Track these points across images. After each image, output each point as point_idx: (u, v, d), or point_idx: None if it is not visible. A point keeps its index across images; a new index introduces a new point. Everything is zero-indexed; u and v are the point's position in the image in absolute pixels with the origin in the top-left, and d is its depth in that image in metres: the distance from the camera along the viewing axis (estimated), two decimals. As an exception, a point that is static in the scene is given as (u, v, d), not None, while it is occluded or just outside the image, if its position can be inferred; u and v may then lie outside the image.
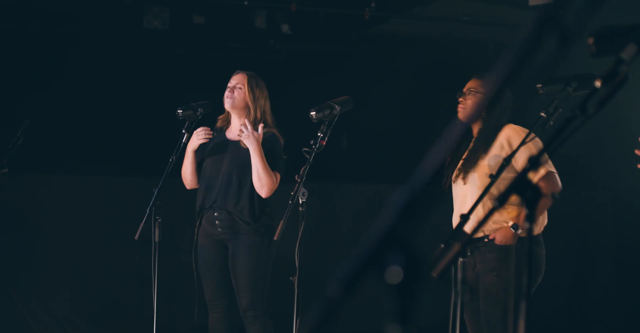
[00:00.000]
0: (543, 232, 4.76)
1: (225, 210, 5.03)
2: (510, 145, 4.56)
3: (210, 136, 5.10)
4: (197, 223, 5.15)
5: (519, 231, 4.53)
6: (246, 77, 5.11)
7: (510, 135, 4.58)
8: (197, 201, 5.15)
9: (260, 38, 8.24)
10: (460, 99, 4.73)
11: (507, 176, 4.52)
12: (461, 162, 4.66)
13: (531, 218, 2.11)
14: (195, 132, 5.09)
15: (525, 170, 2.12)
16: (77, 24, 7.53)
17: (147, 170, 6.03)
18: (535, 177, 4.47)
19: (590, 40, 2.09)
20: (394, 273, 1.09)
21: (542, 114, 3.65)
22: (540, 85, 3.62)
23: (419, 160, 4.48)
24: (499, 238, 4.53)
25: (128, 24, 7.70)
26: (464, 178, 4.61)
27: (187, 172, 5.18)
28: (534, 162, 2.13)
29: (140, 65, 7.70)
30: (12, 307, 6.89)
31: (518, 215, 4.56)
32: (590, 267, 8.27)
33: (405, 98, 8.34)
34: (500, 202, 2.12)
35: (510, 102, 4.72)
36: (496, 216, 4.57)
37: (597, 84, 2.10)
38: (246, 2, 7.45)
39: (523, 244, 4.57)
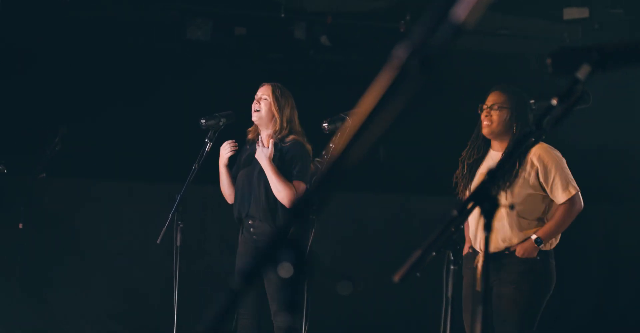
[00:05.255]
0: (570, 248, 4.83)
1: (258, 219, 5.18)
2: (543, 163, 4.57)
3: (237, 148, 5.24)
4: (240, 232, 5.31)
5: (542, 245, 4.59)
6: (271, 88, 5.24)
7: (540, 153, 4.59)
8: (234, 211, 5.29)
9: (300, 49, 8.38)
10: (485, 114, 4.66)
11: (530, 196, 4.59)
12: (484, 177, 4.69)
13: (488, 227, 2.24)
14: (221, 147, 5.24)
15: (484, 182, 2.25)
16: (121, 33, 7.72)
17: (172, 176, 6.21)
18: (564, 197, 4.54)
19: (548, 61, 2.21)
20: (285, 268, 1.24)
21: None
22: (533, 101, 3.71)
23: (450, 174, 4.56)
24: (520, 251, 4.58)
25: (172, 34, 7.88)
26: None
27: (225, 187, 5.32)
28: (492, 175, 2.26)
29: (182, 74, 7.88)
30: (43, 306, 7.13)
31: (540, 229, 4.60)
32: (619, 278, 8.27)
33: (442, 111, 8.41)
34: (459, 211, 2.25)
35: (531, 118, 4.68)
36: (523, 232, 4.63)
37: (553, 102, 2.23)
38: (283, 15, 7.62)
39: (543, 258, 4.64)
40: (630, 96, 7.59)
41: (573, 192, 4.60)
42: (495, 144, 4.74)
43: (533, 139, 2.45)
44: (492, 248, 4.62)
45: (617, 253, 8.25)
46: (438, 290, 3.29)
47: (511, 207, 4.20)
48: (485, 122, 4.66)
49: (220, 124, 5.23)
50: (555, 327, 7.71)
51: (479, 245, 4.66)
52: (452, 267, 3.19)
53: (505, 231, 4.60)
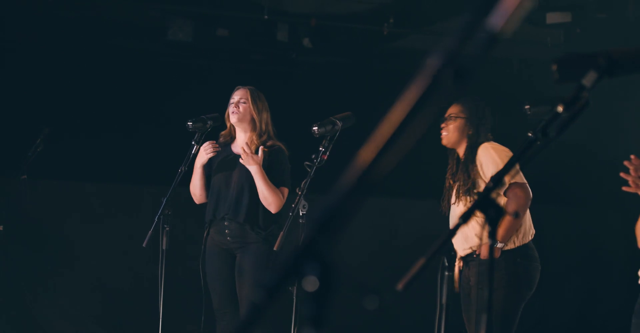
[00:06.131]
0: (554, 252, 4.83)
1: (235, 221, 5.17)
2: (480, 161, 4.69)
3: (218, 149, 5.24)
4: (205, 234, 5.29)
5: (499, 245, 4.61)
6: (248, 92, 5.26)
7: (480, 154, 4.71)
8: (207, 214, 5.28)
9: (282, 51, 8.35)
10: (442, 125, 4.83)
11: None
12: (457, 185, 4.78)
13: (493, 235, 2.23)
14: (202, 147, 5.22)
15: (488, 189, 2.23)
16: (102, 34, 7.66)
17: (158, 179, 6.17)
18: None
19: (554, 67, 2.19)
20: (311, 282, 1.21)
21: (530, 134, 3.73)
22: (528, 106, 3.70)
23: (433, 175, 4.59)
24: (483, 254, 4.61)
25: (153, 35, 7.83)
26: (456, 201, 4.75)
27: (197, 187, 5.31)
28: (496, 181, 2.24)
29: (162, 76, 7.84)
30: (25, 309, 7.05)
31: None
32: (602, 284, 8.30)
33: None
34: (464, 219, 2.23)
35: (490, 122, 4.86)
36: (483, 233, 4.64)
37: (559, 108, 2.21)
38: (266, 16, 7.58)
39: (506, 257, 4.66)
40: (616, 100, 7.62)
41: (506, 182, 4.60)
42: (458, 153, 4.89)
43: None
44: (461, 250, 4.70)
45: (598, 258, 8.27)
46: (431, 295, 3.28)
47: (516, 214, 4.21)
48: (443, 133, 4.86)
49: (207, 126, 5.22)
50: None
51: (455, 247, 4.74)
52: (446, 273, 3.18)
53: (465, 234, 4.68)
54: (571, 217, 8.09)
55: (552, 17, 7.74)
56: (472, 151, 4.73)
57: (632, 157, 3.56)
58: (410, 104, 1.15)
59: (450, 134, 4.82)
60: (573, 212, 8.08)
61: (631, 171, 3.55)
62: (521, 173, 4.65)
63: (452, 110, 4.85)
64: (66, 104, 7.31)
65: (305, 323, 1.23)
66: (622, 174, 3.56)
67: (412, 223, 7.75)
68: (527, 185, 4.65)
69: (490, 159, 4.62)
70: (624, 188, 3.62)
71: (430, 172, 5.52)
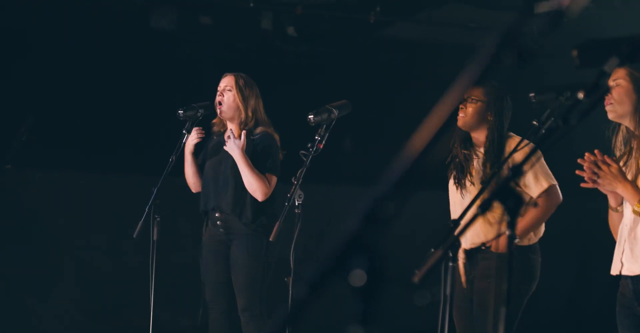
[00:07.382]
0: (544, 241, 4.80)
1: (224, 212, 5.10)
2: (514, 158, 4.58)
3: (203, 135, 5.20)
4: (204, 225, 5.23)
5: (517, 240, 4.56)
6: (234, 78, 5.17)
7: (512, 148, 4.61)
8: (200, 204, 5.23)
9: (266, 40, 8.27)
10: (461, 106, 4.67)
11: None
12: (468, 172, 4.68)
13: (512, 225, 2.17)
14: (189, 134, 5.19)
15: (507, 178, 2.17)
16: (84, 23, 7.56)
17: (148, 168, 6.09)
18: (537, 190, 4.52)
19: (575, 53, 2.14)
20: (358, 276, 1.14)
21: (535, 123, 3.69)
22: (533, 94, 3.65)
23: (421, 165, 4.51)
24: (495, 247, 4.55)
25: (135, 23, 7.74)
26: (470, 188, 4.66)
27: (189, 175, 5.26)
28: (516, 171, 2.18)
29: (146, 64, 7.74)
30: (12, 305, 6.94)
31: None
32: (592, 277, 8.30)
33: (410, 103, 8.35)
34: (483, 209, 2.17)
35: (510, 109, 4.74)
36: (495, 225, 4.60)
37: (580, 95, 2.16)
38: (252, 4, 7.50)
39: (519, 252, 4.62)
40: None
41: (545, 185, 4.59)
42: (473, 137, 4.77)
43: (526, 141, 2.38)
44: (468, 244, 4.62)
45: (590, 248, 8.26)
46: (435, 286, 3.22)
47: (535, 204, 4.16)
48: (460, 114, 4.69)
49: (199, 114, 5.16)
50: (526, 321, 7.70)
51: (463, 241, 4.64)
52: (450, 264, 3.12)
53: (478, 226, 4.58)
54: (565, 209, 8.06)
55: (542, 7, 7.70)
56: (498, 143, 4.60)
57: (586, 154, 3.57)
58: (468, 87, 1.08)
59: (468, 116, 4.67)
60: (567, 204, 8.05)
61: (585, 168, 3.56)
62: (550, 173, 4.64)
63: (473, 91, 4.68)
64: (50, 91, 7.20)
65: (352, 320, 1.16)
66: (577, 172, 3.57)
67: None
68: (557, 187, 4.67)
69: (540, 167, 4.61)
70: (582, 185, 3.63)
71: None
